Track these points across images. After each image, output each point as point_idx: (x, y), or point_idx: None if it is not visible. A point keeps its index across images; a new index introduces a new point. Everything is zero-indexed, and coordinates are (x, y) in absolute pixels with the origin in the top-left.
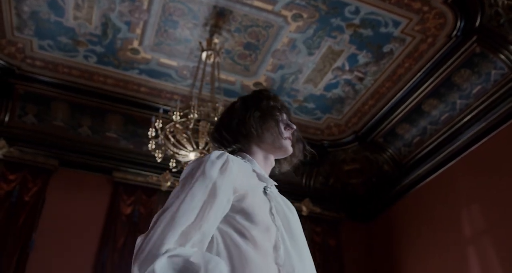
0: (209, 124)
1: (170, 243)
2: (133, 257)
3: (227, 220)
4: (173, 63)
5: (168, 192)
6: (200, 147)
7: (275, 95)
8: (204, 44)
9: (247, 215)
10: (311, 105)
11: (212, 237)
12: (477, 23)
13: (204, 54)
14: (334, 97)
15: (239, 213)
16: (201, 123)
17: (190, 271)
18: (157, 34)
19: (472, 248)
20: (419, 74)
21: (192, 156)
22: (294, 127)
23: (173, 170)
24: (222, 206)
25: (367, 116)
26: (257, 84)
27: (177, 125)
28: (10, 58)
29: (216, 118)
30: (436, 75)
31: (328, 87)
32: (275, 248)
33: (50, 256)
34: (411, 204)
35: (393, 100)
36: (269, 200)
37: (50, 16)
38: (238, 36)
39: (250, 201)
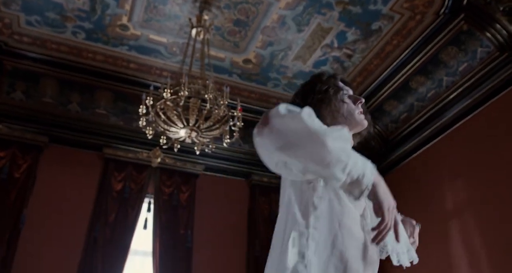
0: (199, 101)
1: None
2: None
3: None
4: (163, 39)
5: (158, 168)
6: (190, 124)
7: (334, 74)
8: (194, 20)
9: None
10: (300, 82)
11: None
12: (465, 1)
13: (194, 31)
14: None
15: None
16: (191, 100)
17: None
18: (146, 10)
19: (454, 221)
20: (407, 51)
21: (182, 133)
22: (363, 100)
23: (164, 146)
24: None
25: (355, 93)
26: (246, 60)
27: (168, 102)
28: None
29: (206, 95)
30: (423, 52)
31: (317, 64)
32: (363, 216)
33: (41, 232)
34: (397, 179)
35: (381, 77)
36: None
37: None
38: (228, 12)
39: None
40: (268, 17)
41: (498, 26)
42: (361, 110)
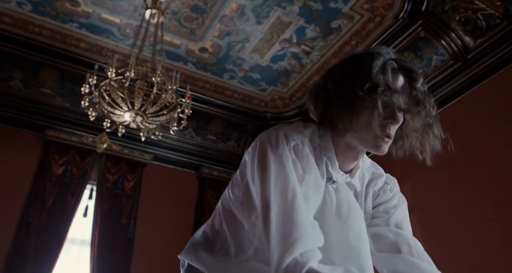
0: (146, 84)
1: None
2: None
3: None
4: (116, 19)
5: (103, 155)
6: (135, 108)
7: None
8: (149, 1)
9: None
10: (256, 76)
11: None
12: (423, 7)
13: (147, 12)
14: (280, 70)
15: None
16: (138, 82)
17: None
18: None
19: None
20: None
21: (127, 116)
22: (399, 120)
23: (107, 130)
24: None
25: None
26: (202, 49)
27: (112, 83)
28: None
29: (154, 79)
30: None
31: (275, 59)
32: None
33: None
34: None
35: None
36: None
37: None
38: None
39: None
40: (227, 6)
41: (453, 35)
42: (387, 132)
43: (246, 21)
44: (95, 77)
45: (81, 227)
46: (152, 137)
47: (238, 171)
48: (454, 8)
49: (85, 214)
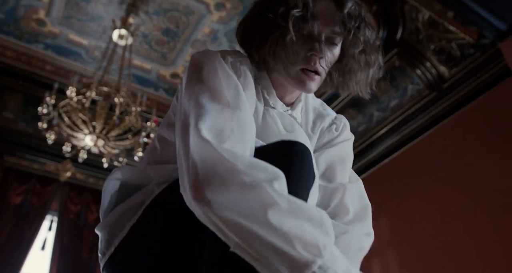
0: (108, 104)
1: None
2: None
3: None
4: (84, 41)
5: (67, 184)
6: (97, 130)
7: None
8: (118, 22)
9: None
10: None
11: None
12: (398, 36)
13: (116, 32)
14: None
15: None
16: (99, 102)
17: None
18: (66, 6)
19: (376, 260)
20: None
21: (88, 140)
22: (323, 52)
23: (67, 155)
24: None
25: None
26: (174, 75)
27: (72, 103)
28: None
29: (116, 99)
30: None
31: None
32: None
33: None
34: None
35: None
36: None
37: None
38: (157, 19)
39: None
40: (199, 30)
41: (428, 64)
42: (313, 66)
43: (219, 46)
44: (53, 97)
45: (38, 262)
46: (116, 163)
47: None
48: (428, 37)
49: (43, 247)
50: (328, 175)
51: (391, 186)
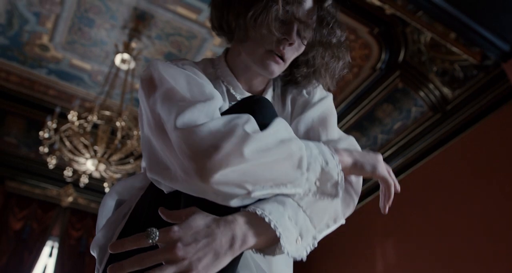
0: (110, 129)
1: None
2: None
3: None
4: (87, 66)
5: (68, 209)
6: (98, 154)
7: None
8: (121, 47)
9: None
10: None
11: None
12: (401, 58)
13: (118, 57)
14: None
15: None
16: (101, 126)
17: None
18: (70, 31)
19: None
20: (343, 105)
21: (89, 164)
22: (294, 38)
23: (68, 179)
24: None
25: None
26: None
27: (74, 127)
28: None
29: (118, 123)
30: (359, 107)
31: None
32: None
33: None
34: (329, 239)
35: None
36: None
37: None
38: (159, 43)
39: None
40: (202, 54)
41: (431, 86)
42: (281, 50)
43: None
44: (55, 121)
45: None
46: None
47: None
48: (431, 58)
49: None
50: (312, 138)
51: (397, 209)
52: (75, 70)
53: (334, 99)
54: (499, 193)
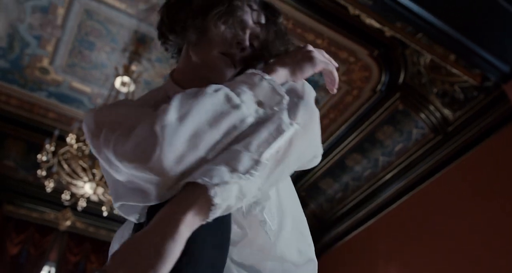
0: None
1: None
2: None
3: None
4: (87, 89)
5: (66, 233)
6: (96, 178)
7: None
8: (121, 70)
9: None
10: None
11: None
12: (401, 80)
13: (118, 80)
14: None
15: None
16: None
17: None
18: (70, 54)
19: None
20: (343, 127)
21: (87, 187)
22: (245, 43)
23: (66, 203)
24: None
25: None
26: None
27: (72, 150)
28: None
29: None
30: (360, 129)
31: None
32: None
33: None
34: (329, 264)
35: None
36: None
37: None
38: (159, 66)
39: None
40: None
41: (432, 107)
42: (238, 52)
43: None
44: (53, 144)
45: None
46: (116, 212)
47: None
48: (431, 80)
49: None
50: None
51: (399, 232)
52: (75, 93)
53: (335, 121)
54: (501, 215)
